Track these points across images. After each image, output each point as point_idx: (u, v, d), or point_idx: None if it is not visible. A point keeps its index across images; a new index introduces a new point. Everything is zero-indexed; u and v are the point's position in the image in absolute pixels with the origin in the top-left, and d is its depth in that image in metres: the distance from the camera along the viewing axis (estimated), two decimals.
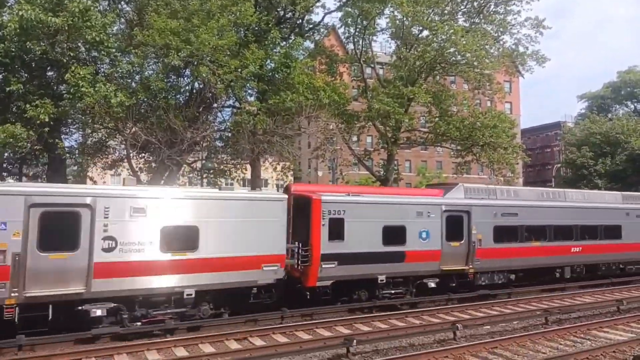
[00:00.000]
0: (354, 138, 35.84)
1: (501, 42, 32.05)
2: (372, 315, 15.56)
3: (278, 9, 27.28)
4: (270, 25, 24.73)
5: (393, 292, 17.32)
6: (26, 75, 20.92)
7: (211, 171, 26.52)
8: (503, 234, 19.52)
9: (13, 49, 19.61)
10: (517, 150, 31.57)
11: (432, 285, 17.97)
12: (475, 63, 29.56)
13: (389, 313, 15.79)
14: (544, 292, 20.64)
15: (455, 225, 18.39)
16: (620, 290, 21.07)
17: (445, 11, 30.81)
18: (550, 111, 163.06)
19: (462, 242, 18.51)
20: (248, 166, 27.65)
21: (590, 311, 17.02)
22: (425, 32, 30.20)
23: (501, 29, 31.16)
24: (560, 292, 20.67)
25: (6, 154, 20.01)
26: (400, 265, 17.08)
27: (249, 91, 25.52)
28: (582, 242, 21.75)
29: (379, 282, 16.80)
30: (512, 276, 20.26)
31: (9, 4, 21.02)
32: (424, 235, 17.60)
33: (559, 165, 65.27)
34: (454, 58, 29.83)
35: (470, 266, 18.64)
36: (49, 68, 21.69)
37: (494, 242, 19.23)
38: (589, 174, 52.13)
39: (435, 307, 16.97)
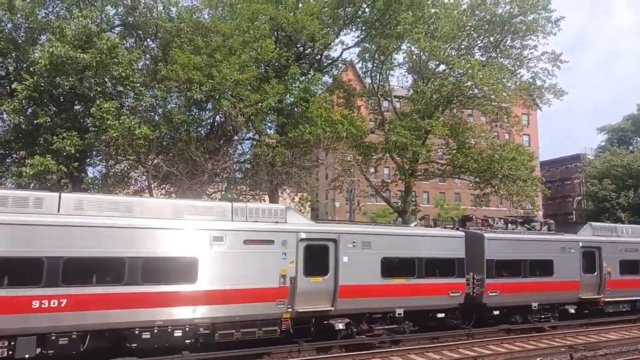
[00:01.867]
0: (372, 170, 35.96)
1: (518, 76, 32.26)
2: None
3: (298, 45, 27.99)
4: (290, 61, 25.36)
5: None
6: (54, 108, 21.64)
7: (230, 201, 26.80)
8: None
9: (43, 84, 20.37)
10: (536, 183, 31.30)
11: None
12: (493, 96, 29.73)
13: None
14: (570, 327, 20.09)
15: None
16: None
17: (462, 46, 31.28)
18: (568, 144, 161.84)
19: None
20: (266, 197, 27.89)
21: (617, 348, 16.49)
22: (442, 67, 30.63)
23: (518, 63, 31.43)
24: (585, 327, 20.09)
25: (32, 184, 20.49)
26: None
27: (269, 124, 26.03)
28: None
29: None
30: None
31: (41, 42, 21.99)
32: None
33: (579, 197, 64.26)
34: (471, 91, 30.06)
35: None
36: (76, 102, 22.44)
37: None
38: (612, 207, 51.20)
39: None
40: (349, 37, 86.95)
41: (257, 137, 26.35)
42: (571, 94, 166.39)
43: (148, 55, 25.56)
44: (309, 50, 28.57)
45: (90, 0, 21.70)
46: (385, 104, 34.45)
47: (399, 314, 16.54)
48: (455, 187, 61.50)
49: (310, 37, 25.93)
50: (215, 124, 24.43)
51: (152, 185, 23.75)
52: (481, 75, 27.37)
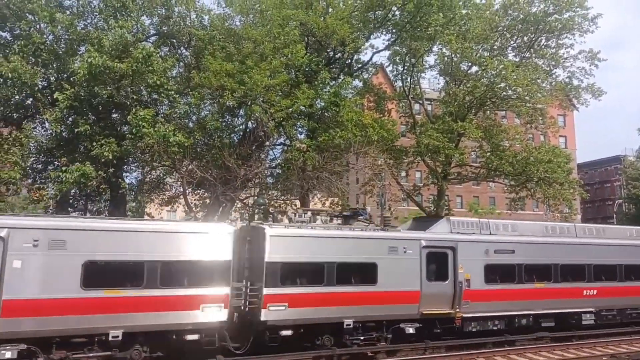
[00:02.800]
0: (403, 173, 35.65)
1: (554, 76, 31.42)
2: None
3: (328, 50, 28.07)
4: (320, 66, 25.45)
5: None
6: (93, 117, 22.36)
7: (262, 207, 27.05)
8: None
9: (82, 93, 21.08)
10: (574, 186, 30.38)
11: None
12: (527, 97, 29.08)
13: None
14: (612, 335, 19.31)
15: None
16: None
17: (495, 47, 30.72)
18: (608, 145, 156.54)
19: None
20: (297, 202, 28.00)
21: None
22: (475, 68, 30.13)
23: (553, 63, 30.62)
24: (629, 337, 19.27)
25: (73, 191, 21.20)
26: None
27: (300, 129, 26.16)
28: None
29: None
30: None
31: (80, 52, 22.77)
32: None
33: (620, 200, 62.06)
34: (504, 93, 29.46)
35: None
36: (113, 110, 23.12)
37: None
38: None
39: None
40: (380, 40, 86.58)
41: (288, 142, 26.53)
42: (613, 94, 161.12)
43: (182, 63, 26.14)
44: (339, 54, 28.60)
45: (126, 11, 22.31)
46: (416, 106, 34.16)
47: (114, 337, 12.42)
48: (490, 190, 60.34)
49: (341, 42, 25.96)
50: (247, 130, 24.74)
51: (187, 191, 24.20)
52: (515, 76, 26.81)
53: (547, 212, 34.21)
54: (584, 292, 19.26)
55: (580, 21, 29.22)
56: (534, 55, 30.87)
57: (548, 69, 30.92)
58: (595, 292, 19.44)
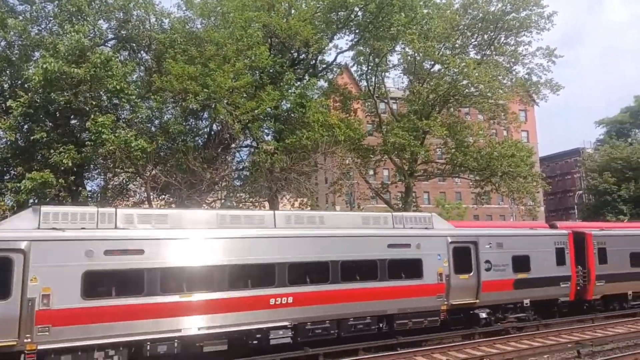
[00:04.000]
0: (371, 172, 35.93)
1: (514, 72, 32.30)
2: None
3: (292, 51, 28.00)
4: (284, 67, 25.37)
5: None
6: (50, 124, 21.65)
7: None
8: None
9: (38, 100, 20.40)
10: (536, 179, 31.25)
11: None
12: (489, 94, 29.74)
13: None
14: (574, 323, 19.91)
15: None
16: None
17: (456, 45, 31.30)
18: (568, 138, 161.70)
19: None
20: (266, 203, 27.83)
21: (624, 342, 16.35)
22: (437, 66, 30.62)
23: (513, 60, 31.45)
24: (591, 323, 19.92)
25: (31, 200, 20.45)
26: None
27: (266, 131, 25.98)
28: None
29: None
30: None
31: (35, 58, 22.01)
32: None
33: (580, 192, 64.16)
34: (467, 90, 30.09)
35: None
36: (72, 117, 22.44)
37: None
38: (613, 200, 51.10)
39: None
40: (343, 41, 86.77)
41: (254, 144, 26.32)
42: (569, 89, 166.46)
43: (142, 67, 25.61)
44: (304, 55, 28.58)
45: (82, 15, 21.70)
46: (381, 105, 34.46)
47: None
48: (456, 186, 61.41)
49: (304, 43, 25.94)
50: (212, 133, 24.43)
51: (152, 197, 23.70)
52: (477, 74, 27.36)
53: (511, 205, 34.99)
54: (271, 300, 13.67)
55: (537, 19, 30.15)
56: (494, 52, 31.62)
57: (508, 65, 31.75)
58: (291, 299, 13.91)
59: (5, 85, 22.49)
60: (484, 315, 17.42)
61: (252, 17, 24.04)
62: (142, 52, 25.60)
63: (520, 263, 18.31)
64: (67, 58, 19.93)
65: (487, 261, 17.55)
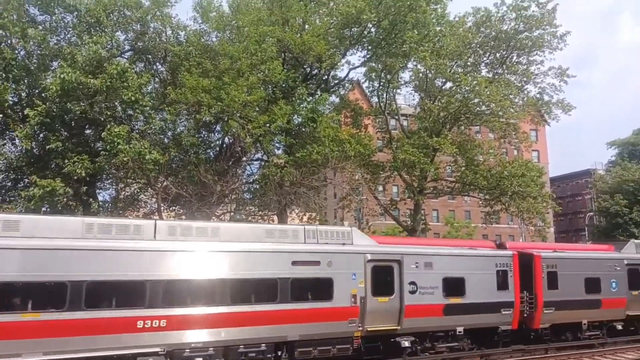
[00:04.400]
0: (380, 188, 35.85)
1: (525, 92, 32.21)
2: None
3: (304, 66, 28.25)
4: (297, 82, 25.57)
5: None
6: (66, 133, 21.92)
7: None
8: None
9: (54, 110, 20.69)
10: (546, 199, 30.97)
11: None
12: (500, 113, 29.68)
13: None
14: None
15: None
16: None
17: (468, 63, 31.36)
18: (578, 160, 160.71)
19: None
20: (275, 217, 27.86)
21: None
22: (449, 84, 30.67)
23: (525, 79, 31.42)
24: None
25: (44, 208, 20.64)
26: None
27: (277, 145, 26.12)
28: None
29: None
30: None
31: (53, 68, 22.38)
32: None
33: (591, 213, 63.55)
34: (478, 108, 30.04)
35: None
36: (87, 127, 22.72)
37: None
38: (624, 223, 50.55)
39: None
40: (355, 57, 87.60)
41: (265, 157, 26.46)
42: (581, 110, 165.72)
43: (157, 79, 25.94)
44: (316, 70, 28.82)
45: (100, 26, 22.08)
46: (392, 122, 34.51)
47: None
48: (465, 204, 61.13)
49: (317, 58, 26.18)
50: (224, 146, 24.62)
51: (162, 208, 23.84)
52: (488, 92, 27.38)
53: (521, 225, 34.71)
54: (139, 323, 12.06)
55: (550, 39, 30.15)
56: (506, 71, 31.62)
57: (520, 84, 31.71)
58: (165, 322, 12.31)
59: (23, 94, 22.83)
60: (406, 344, 15.45)
61: (267, 32, 24.34)
62: (157, 63, 25.97)
63: (453, 286, 16.44)
64: (84, 68, 20.26)
65: (413, 282, 15.69)
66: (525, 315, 18.12)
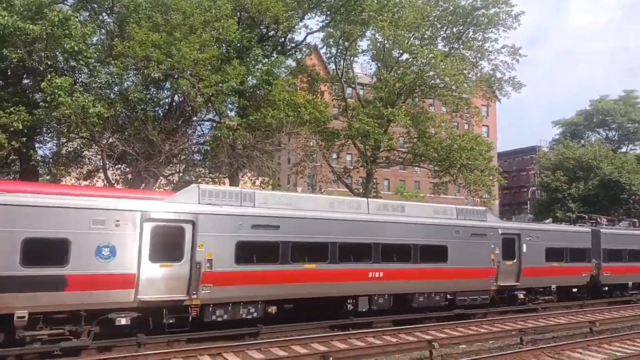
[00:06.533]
0: (334, 155, 35.97)
1: (479, 68, 32.83)
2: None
3: (261, 27, 27.47)
4: (252, 43, 24.86)
5: None
6: (1, 82, 20.53)
7: (188, 184, 26.26)
8: None
9: None
10: (493, 173, 32.10)
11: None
12: (454, 87, 30.19)
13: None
14: (517, 312, 20.67)
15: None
16: (593, 312, 21.31)
17: (425, 36, 31.51)
18: (526, 136, 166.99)
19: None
20: (226, 180, 27.45)
21: (564, 332, 17.13)
22: (406, 56, 30.78)
23: (479, 55, 31.95)
24: (534, 312, 20.71)
25: None
26: None
27: (230, 106, 25.52)
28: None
29: None
30: None
31: None
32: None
33: (534, 188, 66.50)
34: (433, 81, 30.42)
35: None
36: (25, 76, 21.34)
37: None
38: (563, 198, 53.23)
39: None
40: (314, 21, 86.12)
41: (217, 118, 25.81)
42: (530, 89, 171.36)
43: (103, 31, 24.53)
44: (273, 32, 28.13)
45: None
46: (348, 90, 34.41)
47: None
48: (416, 175, 62.41)
49: (274, 19, 25.50)
50: (174, 104, 23.80)
51: (107, 165, 22.95)
52: (443, 66, 27.66)
53: (467, 196, 35.89)
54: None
55: (505, 17, 30.71)
56: (461, 46, 32.02)
57: (474, 60, 32.25)
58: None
59: None
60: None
61: None
62: (103, 14, 24.53)
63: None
64: (22, 13, 18.89)
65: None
66: None
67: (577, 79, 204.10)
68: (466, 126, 37.90)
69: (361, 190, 33.27)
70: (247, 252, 14.26)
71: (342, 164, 37.34)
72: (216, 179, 26.32)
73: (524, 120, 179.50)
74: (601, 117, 69.55)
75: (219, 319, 13.94)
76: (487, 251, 19.25)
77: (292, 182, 49.48)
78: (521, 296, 20.73)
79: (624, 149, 68.69)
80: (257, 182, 28.12)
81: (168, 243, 13.19)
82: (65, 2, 23.01)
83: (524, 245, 20.31)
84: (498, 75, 32.43)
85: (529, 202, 60.96)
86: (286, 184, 49.46)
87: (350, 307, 16.45)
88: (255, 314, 14.48)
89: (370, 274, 16.41)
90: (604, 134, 71.70)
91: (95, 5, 23.77)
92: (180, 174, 25.37)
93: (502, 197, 75.22)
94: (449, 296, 18.68)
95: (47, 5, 19.63)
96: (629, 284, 25.28)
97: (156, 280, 12.83)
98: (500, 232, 19.77)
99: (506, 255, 19.88)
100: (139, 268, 12.57)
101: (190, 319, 13.44)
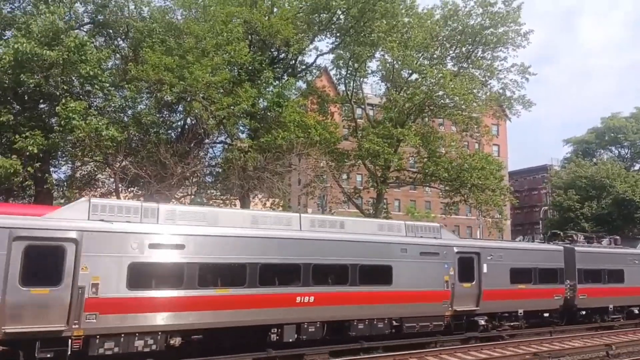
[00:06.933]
0: (344, 176, 36.04)
1: (488, 87, 32.90)
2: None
3: (272, 50, 27.88)
4: (263, 65, 25.21)
5: None
6: (18, 107, 20.95)
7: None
8: None
9: (6, 81, 19.71)
10: (504, 192, 31.86)
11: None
12: (463, 106, 30.24)
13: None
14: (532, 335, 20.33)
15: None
16: (609, 335, 20.87)
17: (434, 55, 31.72)
18: (537, 155, 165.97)
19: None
20: (237, 202, 27.56)
21: (580, 355, 16.80)
22: (415, 76, 30.96)
23: (488, 74, 32.04)
24: (549, 335, 20.36)
25: None
26: None
27: (241, 128, 25.77)
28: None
29: None
30: None
31: (6, 37, 21.27)
32: None
33: (546, 207, 65.85)
34: (442, 101, 30.50)
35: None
36: (41, 101, 21.78)
37: None
38: (576, 217, 52.60)
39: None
40: (324, 43, 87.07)
41: (228, 141, 26.06)
42: (541, 107, 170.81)
43: (118, 55, 25.09)
44: (283, 55, 28.51)
45: None
46: (358, 111, 34.63)
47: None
48: (426, 195, 62.18)
49: (285, 42, 25.86)
50: (186, 127, 24.07)
51: (120, 188, 23.17)
52: (452, 85, 27.78)
53: (479, 216, 35.61)
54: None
55: (514, 36, 30.84)
56: (471, 65, 32.15)
57: (483, 79, 32.34)
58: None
59: None
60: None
61: (234, 12, 23.84)
62: (118, 39, 25.10)
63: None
64: (39, 39, 19.35)
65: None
66: None
67: (588, 97, 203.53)
68: (476, 145, 37.89)
69: (371, 211, 33.20)
70: (142, 275, 12.43)
71: (353, 184, 37.35)
72: (227, 201, 26.46)
73: (535, 138, 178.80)
74: (613, 134, 68.90)
75: (108, 352, 11.93)
76: (439, 272, 17.31)
77: (302, 203, 49.53)
78: (482, 322, 18.56)
79: (636, 167, 67.89)
80: (268, 204, 28.19)
81: (44, 265, 11.49)
82: (82, 29, 23.58)
83: (485, 266, 18.41)
84: (508, 94, 32.44)
85: (541, 221, 60.31)
86: (297, 205, 49.55)
87: (274, 337, 14.32)
88: (154, 347, 12.46)
89: (298, 299, 14.46)
90: (616, 151, 70.96)
91: (111, 31, 24.34)
92: (192, 196, 25.53)
93: (514, 217, 74.57)
94: (395, 322, 16.52)
95: (64, 32, 20.15)
96: (609, 307, 23.23)
97: (26, 308, 11.02)
98: (455, 250, 17.92)
99: (463, 277, 17.93)
100: (4, 294, 10.75)
101: (69, 352, 11.50)
